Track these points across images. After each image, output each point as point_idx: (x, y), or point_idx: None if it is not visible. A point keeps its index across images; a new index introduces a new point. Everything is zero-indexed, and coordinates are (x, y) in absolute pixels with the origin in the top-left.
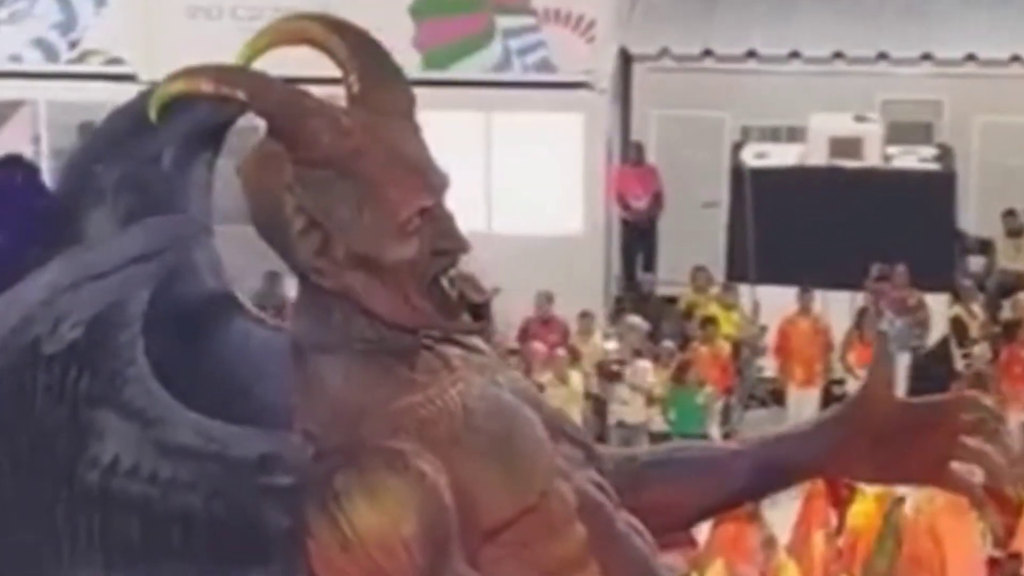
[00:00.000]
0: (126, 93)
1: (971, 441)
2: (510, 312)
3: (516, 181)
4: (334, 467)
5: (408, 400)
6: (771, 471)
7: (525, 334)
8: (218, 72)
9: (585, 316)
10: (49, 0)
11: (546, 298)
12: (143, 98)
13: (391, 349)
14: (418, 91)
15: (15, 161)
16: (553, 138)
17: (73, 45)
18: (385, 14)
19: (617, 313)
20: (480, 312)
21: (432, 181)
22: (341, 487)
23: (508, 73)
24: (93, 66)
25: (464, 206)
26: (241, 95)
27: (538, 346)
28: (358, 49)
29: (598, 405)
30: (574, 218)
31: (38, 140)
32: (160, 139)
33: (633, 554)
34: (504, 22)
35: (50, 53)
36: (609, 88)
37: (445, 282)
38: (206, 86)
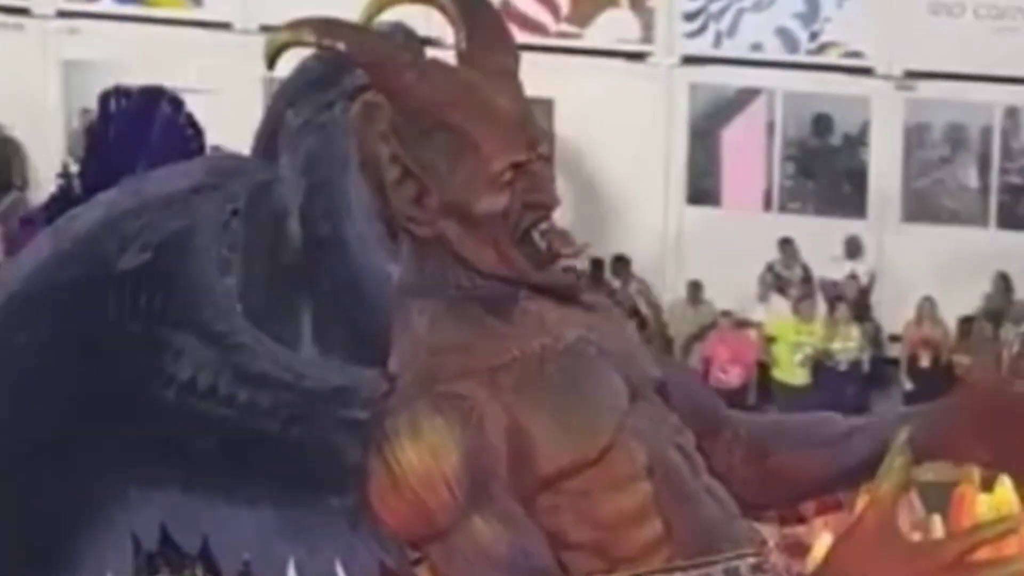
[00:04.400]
0: (862, 87)
1: None
2: None
3: None
4: (390, 409)
5: (486, 348)
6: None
7: None
8: (320, 24)
9: None
10: None
11: None
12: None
13: (484, 298)
14: None
15: (159, 92)
16: None
17: (813, 36)
18: None
19: None
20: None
21: (528, 137)
22: (391, 428)
23: None
24: (831, 58)
25: None
26: (341, 47)
27: None
28: (468, 8)
29: None
30: None
31: (772, 129)
32: (335, 90)
33: (701, 516)
34: None
35: (790, 43)
36: None
37: (536, 235)
38: (308, 37)
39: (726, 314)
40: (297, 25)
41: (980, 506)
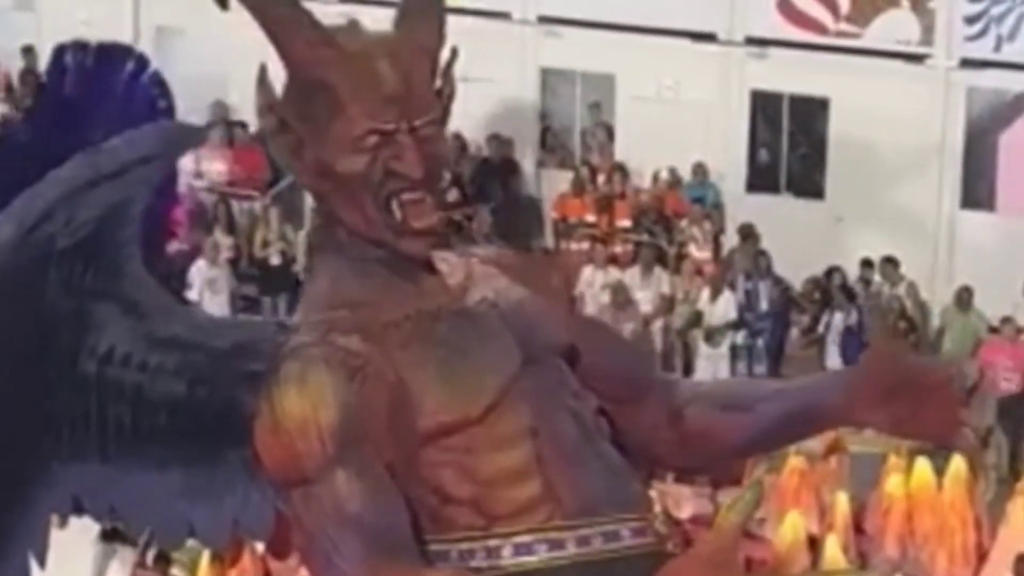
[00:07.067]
0: None
1: (965, 411)
2: None
3: None
4: (285, 356)
5: (383, 305)
6: (797, 416)
7: None
8: None
9: None
10: None
11: None
12: None
13: (393, 258)
14: None
15: (124, 49)
16: None
17: None
18: None
19: None
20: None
21: (399, 109)
22: (283, 374)
23: None
24: None
25: None
26: (245, 5)
27: None
28: None
29: None
30: None
31: None
32: None
33: (585, 479)
34: None
35: None
36: None
37: (395, 204)
38: None
39: (1006, 320)
40: None
41: (892, 486)
